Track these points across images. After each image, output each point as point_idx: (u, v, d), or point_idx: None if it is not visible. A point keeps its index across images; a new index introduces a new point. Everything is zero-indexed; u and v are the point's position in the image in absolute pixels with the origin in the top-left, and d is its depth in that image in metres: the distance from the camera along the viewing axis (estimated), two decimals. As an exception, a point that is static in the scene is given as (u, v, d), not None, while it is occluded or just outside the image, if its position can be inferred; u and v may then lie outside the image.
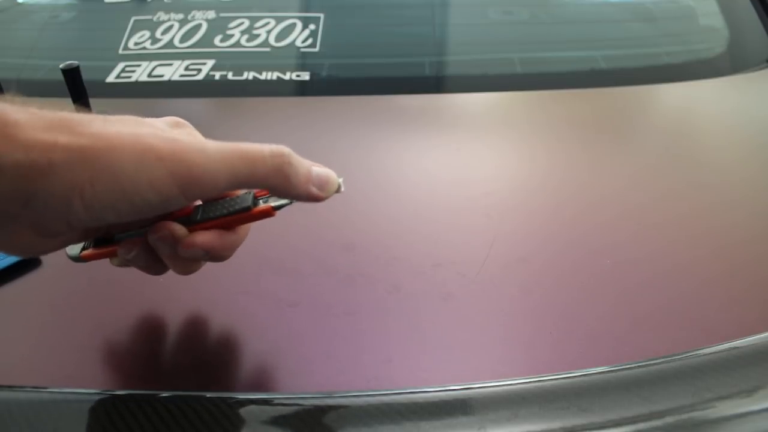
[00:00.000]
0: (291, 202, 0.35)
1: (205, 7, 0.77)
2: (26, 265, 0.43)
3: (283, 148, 0.32)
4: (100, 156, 0.28)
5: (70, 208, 0.28)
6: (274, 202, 0.35)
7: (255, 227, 0.37)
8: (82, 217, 0.29)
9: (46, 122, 0.27)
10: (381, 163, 0.57)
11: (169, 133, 0.31)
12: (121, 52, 0.73)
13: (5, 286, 0.42)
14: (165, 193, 0.29)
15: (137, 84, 0.68)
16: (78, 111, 0.30)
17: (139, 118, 0.32)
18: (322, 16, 0.76)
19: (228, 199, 0.35)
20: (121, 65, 0.71)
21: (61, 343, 0.39)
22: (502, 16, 0.81)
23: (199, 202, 0.36)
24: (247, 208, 0.34)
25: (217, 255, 0.35)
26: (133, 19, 0.76)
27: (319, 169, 0.34)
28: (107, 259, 0.37)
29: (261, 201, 0.35)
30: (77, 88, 0.58)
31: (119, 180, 0.28)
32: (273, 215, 0.35)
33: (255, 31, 0.74)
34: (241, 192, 0.35)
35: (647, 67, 0.73)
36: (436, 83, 0.72)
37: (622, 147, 0.61)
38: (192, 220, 0.35)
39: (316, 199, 0.34)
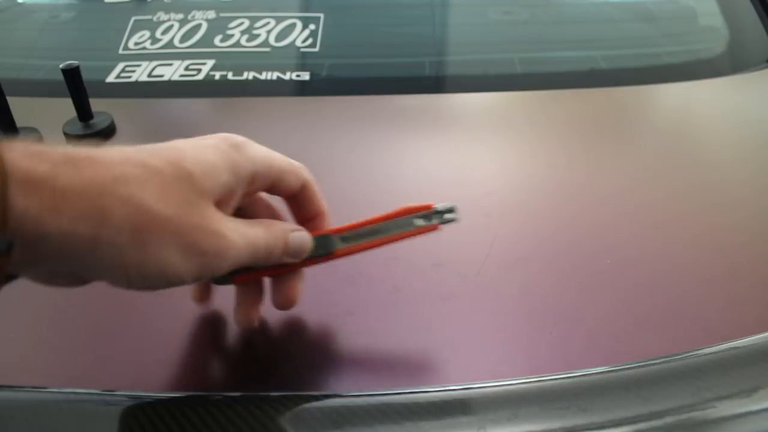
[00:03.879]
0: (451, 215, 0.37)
1: (205, 7, 0.77)
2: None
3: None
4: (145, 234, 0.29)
5: (119, 279, 0.30)
6: (437, 220, 0.37)
7: None
8: (134, 283, 0.31)
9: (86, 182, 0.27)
10: (381, 163, 0.57)
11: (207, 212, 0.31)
12: (121, 52, 0.73)
13: (6, 286, 0.42)
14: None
15: (137, 84, 0.68)
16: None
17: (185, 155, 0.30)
18: (322, 16, 0.76)
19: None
20: (121, 65, 0.71)
21: (61, 343, 0.39)
22: (502, 16, 0.81)
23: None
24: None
25: None
26: (133, 19, 0.76)
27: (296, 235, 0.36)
28: None
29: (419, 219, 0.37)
30: (77, 88, 0.58)
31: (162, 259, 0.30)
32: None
33: (255, 31, 0.74)
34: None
35: (647, 67, 0.73)
36: (436, 83, 0.72)
37: (622, 147, 0.61)
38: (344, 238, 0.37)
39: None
